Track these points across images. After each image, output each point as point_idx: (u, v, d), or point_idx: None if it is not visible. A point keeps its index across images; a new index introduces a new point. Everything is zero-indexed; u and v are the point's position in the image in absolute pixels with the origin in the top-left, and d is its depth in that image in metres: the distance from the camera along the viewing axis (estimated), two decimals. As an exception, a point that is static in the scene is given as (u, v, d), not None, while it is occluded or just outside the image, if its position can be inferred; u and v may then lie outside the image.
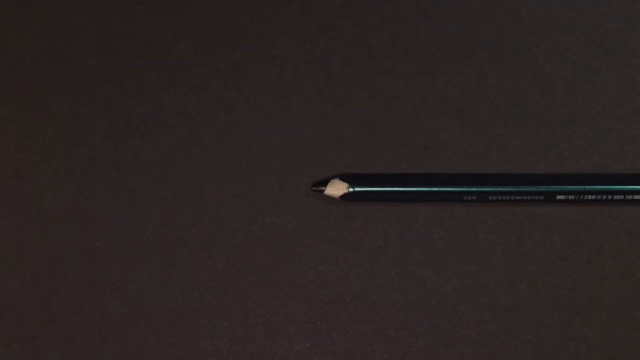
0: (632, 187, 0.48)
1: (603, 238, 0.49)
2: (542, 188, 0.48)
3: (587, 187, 0.48)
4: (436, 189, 0.48)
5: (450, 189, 0.48)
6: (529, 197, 0.48)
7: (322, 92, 0.50)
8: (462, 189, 0.48)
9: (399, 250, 0.49)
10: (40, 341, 0.48)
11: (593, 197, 0.48)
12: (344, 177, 0.49)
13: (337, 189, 0.48)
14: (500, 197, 0.48)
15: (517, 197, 0.48)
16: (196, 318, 0.48)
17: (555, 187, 0.48)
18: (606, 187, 0.48)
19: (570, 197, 0.48)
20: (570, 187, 0.48)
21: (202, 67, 0.50)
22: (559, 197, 0.48)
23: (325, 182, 0.49)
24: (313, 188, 0.49)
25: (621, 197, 0.48)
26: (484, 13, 0.51)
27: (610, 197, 0.48)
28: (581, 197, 0.48)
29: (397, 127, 0.50)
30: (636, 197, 0.48)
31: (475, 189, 0.48)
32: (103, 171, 0.49)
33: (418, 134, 0.50)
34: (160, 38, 0.51)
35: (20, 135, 0.50)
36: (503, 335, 0.49)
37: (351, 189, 0.48)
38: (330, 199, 0.49)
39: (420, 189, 0.48)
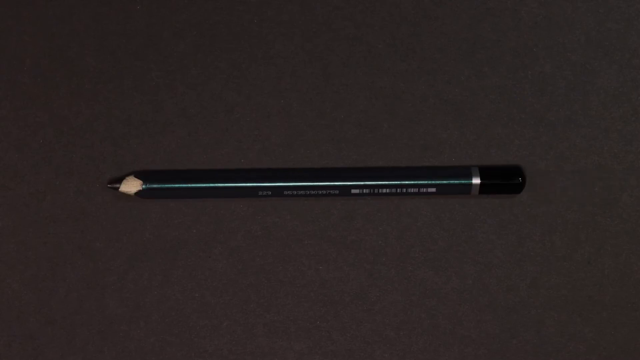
0: (424, 181, 0.48)
1: (603, 238, 0.49)
2: (337, 183, 0.48)
3: (380, 182, 0.48)
4: (230, 184, 0.48)
5: (245, 184, 0.48)
6: (325, 192, 0.48)
7: (322, 92, 0.50)
8: (256, 184, 0.48)
9: (398, 250, 0.49)
10: (40, 341, 0.48)
11: (387, 190, 0.48)
12: (138, 174, 0.48)
13: (131, 186, 0.48)
14: (295, 192, 0.48)
15: (313, 192, 0.48)
16: (196, 318, 0.48)
17: (349, 182, 0.48)
18: (399, 182, 0.48)
19: (365, 190, 0.48)
20: (363, 182, 0.48)
21: (202, 67, 0.50)
22: (353, 191, 0.48)
23: (120, 180, 0.48)
24: (108, 185, 0.48)
25: (415, 190, 0.48)
26: (484, 13, 0.51)
27: (404, 190, 0.48)
28: (375, 190, 0.48)
29: (397, 127, 0.50)
30: (430, 190, 0.48)
31: (269, 185, 0.48)
32: (103, 171, 0.49)
33: (418, 134, 0.50)
34: (160, 38, 0.51)
35: (20, 135, 0.50)
36: (503, 335, 0.49)
37: (145, 186, 0.48)
38: (126, 196, 0.49)
39: (215, 184, 0.48)
